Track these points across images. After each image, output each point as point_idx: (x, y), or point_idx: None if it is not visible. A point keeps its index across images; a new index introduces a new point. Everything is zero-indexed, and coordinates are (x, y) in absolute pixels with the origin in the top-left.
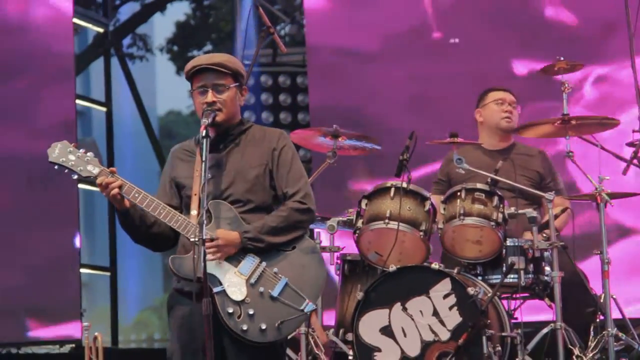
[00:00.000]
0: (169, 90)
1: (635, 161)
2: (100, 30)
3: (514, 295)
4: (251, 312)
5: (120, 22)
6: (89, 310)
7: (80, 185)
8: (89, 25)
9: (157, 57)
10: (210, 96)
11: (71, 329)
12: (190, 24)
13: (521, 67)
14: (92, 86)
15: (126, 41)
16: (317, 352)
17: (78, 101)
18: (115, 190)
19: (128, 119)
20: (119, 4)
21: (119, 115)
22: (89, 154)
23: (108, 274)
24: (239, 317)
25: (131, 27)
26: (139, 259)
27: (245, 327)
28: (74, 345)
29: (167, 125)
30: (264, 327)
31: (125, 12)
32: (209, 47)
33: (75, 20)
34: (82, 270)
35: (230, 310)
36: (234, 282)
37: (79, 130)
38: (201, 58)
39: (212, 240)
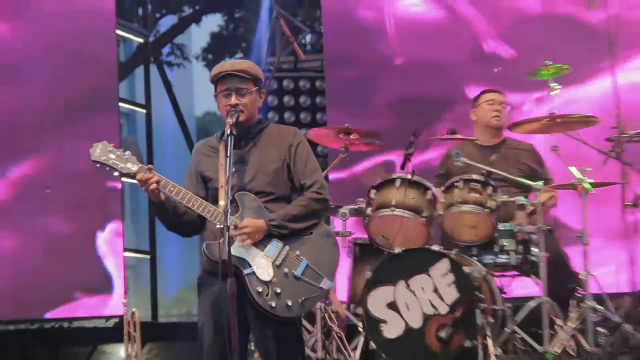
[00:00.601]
0: (205, 94)
1: (613, 154)
2: (141, 40)
3: (505, 273)
4: (278, 290)
5: (160, 33)
6: (134, 290)
7: (124, 179)
8: (131, 36)
9: (194, 64)
10: (233, 99)
11: (117, 306)
12: (223, 35)
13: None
14: (136, 91)
15: (165, 50)
16: (330, 324)
17: (122, 104)
18: (154, 185)
19: (168, 120)
20: (159, 17)
21: (158, 117)
22: (127, 152)
23: (149, 256)
24: (267, 295)
25: (170, 37)
26: (180, 244)
27: (273, 304)
28: (117, 320)
29: (204, 125)
30: (289, 303)
31: (165, 24)
32: (239, 54)
33: (118, 31)
34: (126, 254)
35: (260, 290)
36: (261, 264)
37: (125, 130)
38: (225, 64)
39: (236, 226)
